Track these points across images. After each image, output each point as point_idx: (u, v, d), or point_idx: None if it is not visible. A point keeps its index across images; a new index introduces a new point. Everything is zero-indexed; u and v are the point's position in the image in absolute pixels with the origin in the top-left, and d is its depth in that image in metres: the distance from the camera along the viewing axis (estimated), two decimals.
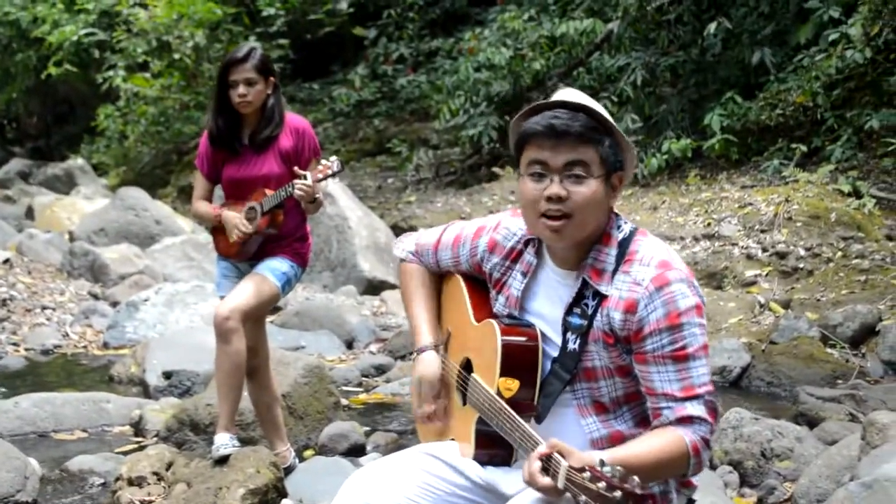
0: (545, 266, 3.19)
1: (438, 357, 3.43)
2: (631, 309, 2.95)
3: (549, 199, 2.97)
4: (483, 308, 3.35)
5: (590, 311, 3.02)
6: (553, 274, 3.16)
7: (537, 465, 2.68)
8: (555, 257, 3.15)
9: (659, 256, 3.00)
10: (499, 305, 3.28)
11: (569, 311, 3.07)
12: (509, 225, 3.29)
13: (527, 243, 3.22)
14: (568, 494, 2.60)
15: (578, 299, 3.05)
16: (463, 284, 3.45)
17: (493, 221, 3.38)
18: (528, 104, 3.12)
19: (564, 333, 3.08)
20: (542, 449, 2.69)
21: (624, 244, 3.05)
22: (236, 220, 5.46)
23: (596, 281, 3.02)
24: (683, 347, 2.92)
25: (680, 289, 2.94)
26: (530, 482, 2.70)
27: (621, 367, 3.03)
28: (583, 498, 2.50)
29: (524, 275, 3.21)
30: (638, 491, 2.43)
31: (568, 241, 3.05)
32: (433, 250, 3.52)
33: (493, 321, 3.20)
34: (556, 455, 2.63)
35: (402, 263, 3.65)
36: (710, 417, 2.91)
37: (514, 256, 3.26)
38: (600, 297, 3.01)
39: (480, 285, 3.41)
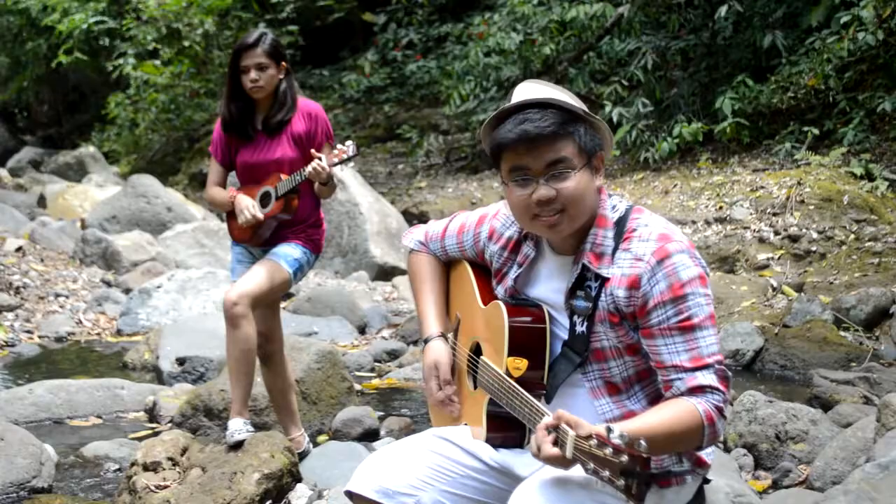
0: (544, 255, 3.22)
1: (447, 344, 3.45)
2: (634, 285, 2.96)
3: (540, 202, 2.99)
4: (490, 291, 3.38)
5: (593, 293, 3.03)
6: (552, 262, 3.19)
7: (544, 435, 2.68)
8: (552, 245, 3.18)
9: (658, 230, 3.01)
10: (500, 296, 3.30)
11: (572, 295, 3.08)
12: (508, 212, 3.30)
13: (526, 235, 3.25)
14: (577, 469, 2.60)
15: (580, 282, 3.06)
16: (469, 270, 3.49)
17: (494, 209, 3.42)
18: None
19: (571, 317, 3.09)
20: (549, 420, 2.69)
21: (621, 223, 3.06)
22: (247, 203, 5.46)
23: (596, 265, 3.03)
24: (689, 318, 2.91)
25: (681, 260, 2.94)
26: (538, 453, 2.70)
27: (630, 345, 3.04)
28: (591, 465, 2.50)
29: (520, 265, 3.24)
30: (644, 454, 2.43)
31: (567, 233, 3.07)
32: (440, 238, 3.58)
33: (499, 302, 3.22)
34: (563, 425, 2.63)
35: (410, 253, 3.69)
36: (721, 386, 2.90)
37: (511, 247, 3.29)
38: (602, 279, 3.02)
39: (486, 270, 3.44)
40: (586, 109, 3.06)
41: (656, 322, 2.94)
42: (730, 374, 2.97)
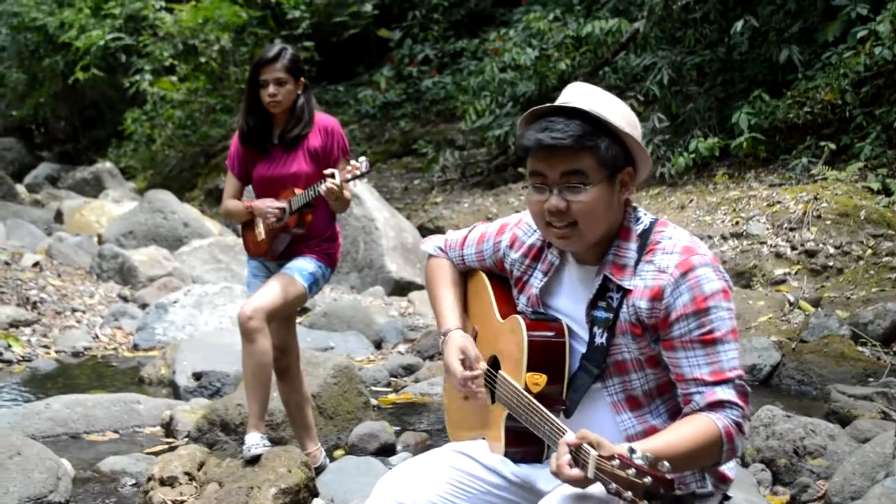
0: (567, 264, 3.19)
1: (466, 334, 3.41)
2: (657, 296, 2.94)
3: (551, 212, 2.98)
4: (508, 304, 3.35)
5: (615, 304, 3.01)
6: (575, 271, 3.17)
7: (566, 455, 2.66)
8: (576, 255, 3.15)
9: (682, 243, 2.99)
10: (521, 305, 3.29)
11: (593, 306, 3.06)
12: (530, 221, 3.27)
13: (549, 243, 3.21)
14: (599, 484, 2.58)
15: (602, 293, 3.05)
16: (487, 282, 3.46)
17: (515, 219, 3.40)
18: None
19: (591, 328, 3.07)
20: (571, 438, 2.67)
21: (645, 235, 3.04)
22: (266, 204, 5.47)
23: (618, 277, 3.01)
24: (711, 332, 2.90)
25: (705, 273, 2.92)
26: (558, 473, 2.67)
27: (651, 357, 3.02)
28: (613, 486, 2.48)
29: (545, 273, 3.22)
30: (668, 476, 2.42)
31: (578, 247, 3.06)
32: (460, 247, 3.56)
33: (518, 317, 3.19)
34: (585, 445, 2.61)
35: (429, 259, 3.68)
36: (741, 401, 2.89)
37: (534, 254, 3.27)
38: (624, 290, 3.00)
39: (504, 282, 3.42)
40: (620, 123, 2.99)
41: (678, 335, 2.92)
42: (749, 389, 2.95)
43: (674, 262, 2.95)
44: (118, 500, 5.70)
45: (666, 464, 2.44)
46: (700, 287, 2.91)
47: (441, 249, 3.63)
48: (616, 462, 2.49)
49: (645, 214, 3.11)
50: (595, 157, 2.94)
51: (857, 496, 4.83)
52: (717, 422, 2.84)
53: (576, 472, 2.62)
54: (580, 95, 3.04)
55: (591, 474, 2.57)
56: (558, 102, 3.03)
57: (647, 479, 2.42)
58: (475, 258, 3.50)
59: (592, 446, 2.59)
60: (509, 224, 3.40)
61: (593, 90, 3.08)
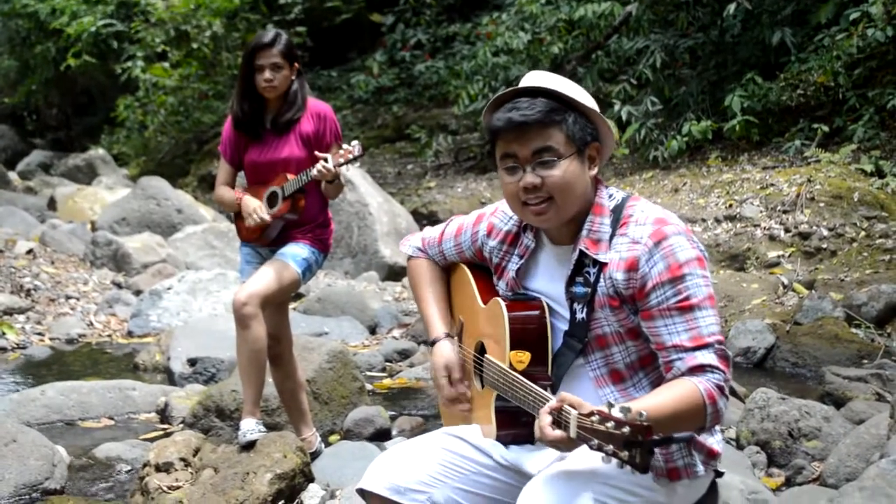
0: (543, 246, 3.25)
1: (453, 343, 3.48)
2: (633, 267, 2.99)
3: (526, 189, 3.04)
4: (489, 291, 3.41)
5: (592, 279, 3.06)
6: (551, 252, 3.22)
7: (547, 419, 2.70)
8: (550, 236, 3.22)
9: (654, 214, 3.05)
10: (501, 291, 3.35)
11: (571, 283, 3.11)
12: (506, 209, 3.34)
13: (525, 227, 3.28)
14: (584, 462, 2.65)
15: (579, 269, 3.10)
16: (468, 271, 3.52)
17: (492, 208, 3.48)
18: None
19: (571, 305, 3.11)
20: (552, 403, 2.72)
21: (618, 210, 3.11)
22: (255, 205, 5.47)
23: (593, 251, 3.06)
24: (687, 298, 2.93)
25: (678, 241, 2.97)
26: (542, 437, 2.72)
27: (631, 329, 3.06)
28: (595, 442, 2.53)
29: (520, 257, 3.28)
30: (645, 423, 2.44)
31: (555, 222, 3.10)
32: (437, 242, 3.62)
33: (498, 299, 3.25)
34: (566, 407, 2.65)
35: (409, 260, 3.73)
36: (722, 365, 2.91)
37: (510, 240, 3.33)
38: (600, 264, 3.05)
39: (485, 271, 3.48)
40: (583, 101, 3.09)
41: (655, 303, 2.96)
42: (730, 353, 2.99)
43: (647, 233, 3.00)
44: (114, 487, 5.71)
45: (644, 413, 2.46)
46: (674, 255, 2.95)
47: (420, 249, 3.69)
48: (595, 418, 2.54)
49: (617, 191, 3.18)
50: (563, 131, 3.04)
51: (852, 477, 4.85)
52: (699, 385, 2.86)
53: (558, 433, 2.67)
54: (540, 79, 3.14)
55: (573, 434, 2.61)
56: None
57: (626, 430, 2.45)
58: (454, 251, 3.56)
59: (573, 406, 2.64)
60: (485, 213, 3.47)
61: (551, 75, 3.17)
